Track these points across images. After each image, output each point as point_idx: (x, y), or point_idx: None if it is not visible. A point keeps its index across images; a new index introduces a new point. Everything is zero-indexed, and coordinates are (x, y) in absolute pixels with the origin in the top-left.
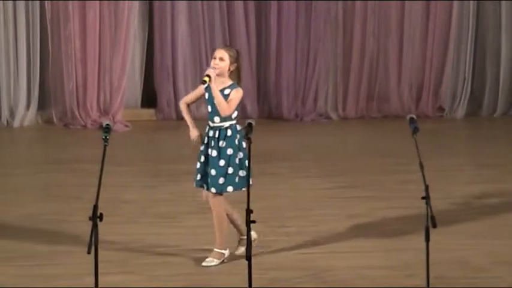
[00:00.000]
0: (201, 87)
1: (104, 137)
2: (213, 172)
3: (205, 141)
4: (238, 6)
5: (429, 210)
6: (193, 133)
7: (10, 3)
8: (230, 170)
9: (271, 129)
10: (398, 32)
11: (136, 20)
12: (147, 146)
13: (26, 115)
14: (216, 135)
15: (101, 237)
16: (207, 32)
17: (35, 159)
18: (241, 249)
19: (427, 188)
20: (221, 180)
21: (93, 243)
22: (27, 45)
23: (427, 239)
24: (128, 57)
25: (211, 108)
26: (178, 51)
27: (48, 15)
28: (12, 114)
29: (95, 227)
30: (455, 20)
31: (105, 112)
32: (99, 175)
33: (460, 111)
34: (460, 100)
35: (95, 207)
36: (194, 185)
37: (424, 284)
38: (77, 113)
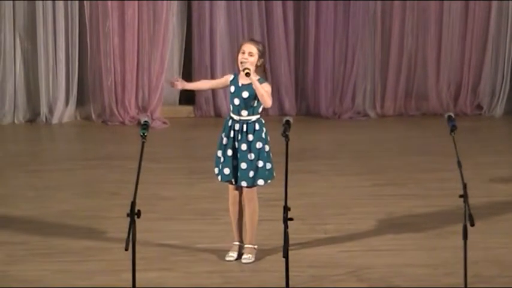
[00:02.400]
0: (227, 79)
1: (142, 134)
2: (243, 166)
3: (231, 135)
4: (277, 4)
5: (467, 208)
6: (179, 85)
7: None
8: (260, 164)
9: (309, 126)
10: (437, 29)
11: (175, 17)
12: (185, 143)
13: (64, 112)
14: (244, 129)
15: (138, 233)
16: (245, 29)
17: (73, 155)
18: (233, 255)
19: (465, 186)
20: (251, 174)
21: (131, 240)
22: (66, 42)
23: (465, 237)
24: (167, 54)
25: (239, 101)
26: (217, 49)
27: (86, 12)
28: (51, 110)
29: (132, 224)
30: (494, 18)
31: (143, 109)
32: (137, 172)
33: (499, 110)
34: (499, 98)
35: (133, 204)
36: (220, 179)
37: (462, 282)
38: (115, 109)
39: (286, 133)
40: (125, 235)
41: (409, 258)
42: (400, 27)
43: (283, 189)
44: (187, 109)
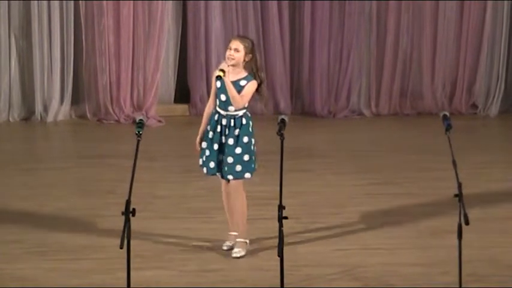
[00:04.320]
0: (213, 81)
1: (137, 132)
2: (230, 160)
3: (218, 130)
4: (272, 3)
5: (462, 207)
6: (197, 143)
7: None
8: (246, 157)
9: (304, 125)
10: (432, 29)
11: (170, 15)
12: (180, 141)
13: (59, 110)
14: (232, 124)
15: (133, 232)
16: (240, 27)
17: (68, 154)
18: (229, 244)
19: (460, 185)
20: (238, 168)
21: (126, 238)
22: (61, 40)
23: (460, 237)
24: (162, 53)
25: (225, 97)
26: (212, 47)
27: (82, 10)
28: (45, 109)
29: (127, 222)
30: (489, 18)
31: (138, 107)
32: (132, 170)
33: (494, 109)
34: (494, 98)
35: (128, 202)
36: (205, 172)
37: (457, 281)
38: (110, 108)
39: (281, 132)
40: (120, 233)
41: (404, 257)
42: (396, 27)
43: (278, 187)
44: (182, 107)
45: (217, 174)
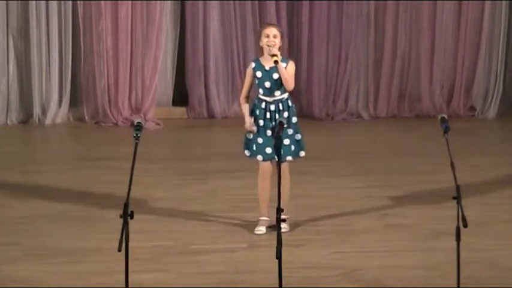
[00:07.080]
0: (249, 73)
1: (135, 135)
2: (286, 142)
3: (268, 116)
4: (270, 4)
5: (460, 210)
6: (250, 123)
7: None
8: (298, 137)
9: (302, 128)
10: (430, 31)
11: (169, 17)
12: (178, 144)
13: (57, 112)
14: (280, 108)
15: (131, 234)
16: (238, 30)
17: (66, 156)
18: (262, 229)
19: (458, 188)
20: (293, 148)
21: (124, 241)
22: (59, 42)
23: (458, 239)
24: (160, 55)
25: (271, 84)
26: (210, 50)
27: (80, 12)
28: (44, 111)
29: (125, 225)
30: (487, 20)
31: (136, 110)
32: (130, 173)
33: (492, 111)
34: (492, 100)
35: (126, 205)
36: (262, 159)
37: (455, 284)
38: (108, 110)
39: (279, 134)
40: (118, 236)
41: (402, 259)
42: (394, 28)
43: (277, 190)
44: (181, 110)
45: (275, 158)
